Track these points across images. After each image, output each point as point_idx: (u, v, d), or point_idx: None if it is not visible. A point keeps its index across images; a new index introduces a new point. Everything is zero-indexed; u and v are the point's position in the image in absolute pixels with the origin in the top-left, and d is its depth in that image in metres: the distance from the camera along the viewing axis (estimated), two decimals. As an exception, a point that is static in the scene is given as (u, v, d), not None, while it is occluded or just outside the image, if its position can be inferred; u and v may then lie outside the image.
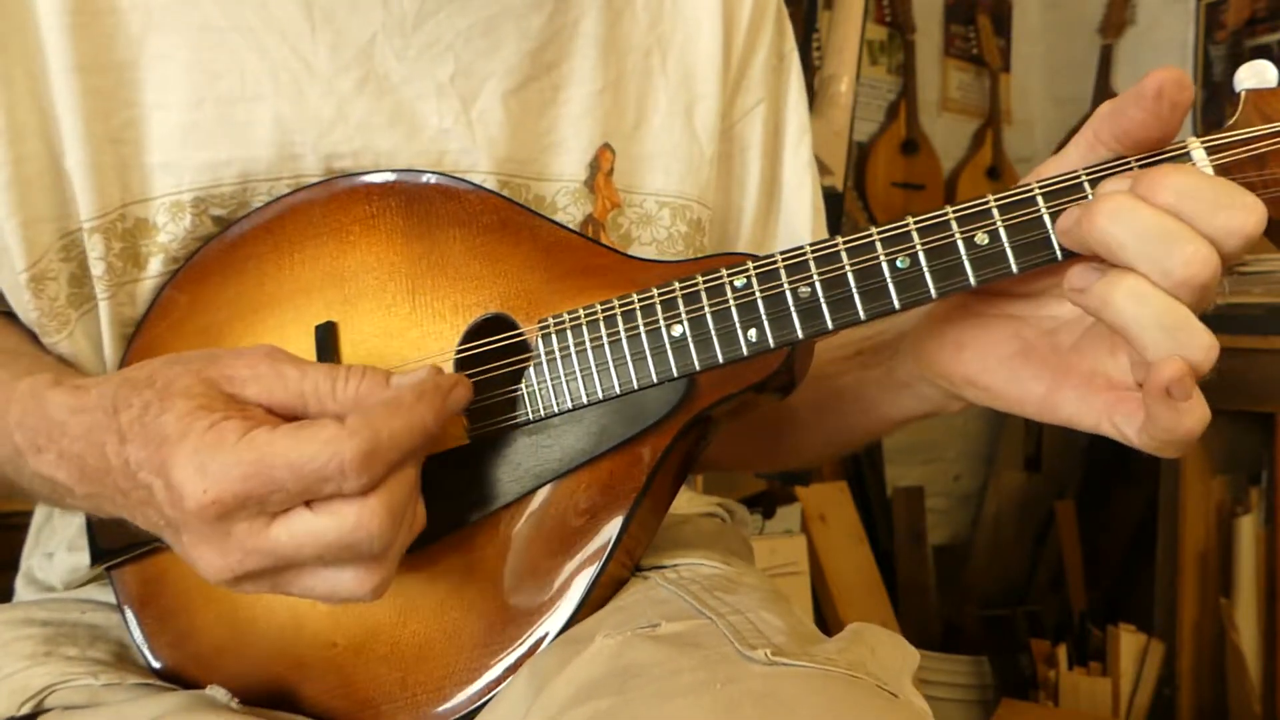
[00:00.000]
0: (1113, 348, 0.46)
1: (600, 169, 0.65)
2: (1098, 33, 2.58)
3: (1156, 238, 0.40)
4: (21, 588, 0.67)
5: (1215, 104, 2.33)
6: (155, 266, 0.58)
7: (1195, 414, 0.41)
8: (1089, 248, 0.42)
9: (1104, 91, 2.54)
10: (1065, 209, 0.44)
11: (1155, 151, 0.43)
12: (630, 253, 0.65)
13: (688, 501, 0.76)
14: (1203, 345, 0.40)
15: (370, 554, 0.41)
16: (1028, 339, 0.48)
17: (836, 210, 1.93)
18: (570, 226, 0.56)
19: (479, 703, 0.51)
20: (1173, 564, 1.83)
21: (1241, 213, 0.40)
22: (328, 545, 0.40)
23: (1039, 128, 2.82)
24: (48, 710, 0.53)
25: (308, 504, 0.40)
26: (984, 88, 2.69)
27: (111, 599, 0.58)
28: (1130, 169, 0.43)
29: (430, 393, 0.43)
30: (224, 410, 0.41)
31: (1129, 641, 1.88)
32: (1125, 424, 0.44)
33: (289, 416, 0.43)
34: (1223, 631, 1.76)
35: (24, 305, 0.56)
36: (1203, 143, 0.43)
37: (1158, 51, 2.48)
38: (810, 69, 1.99)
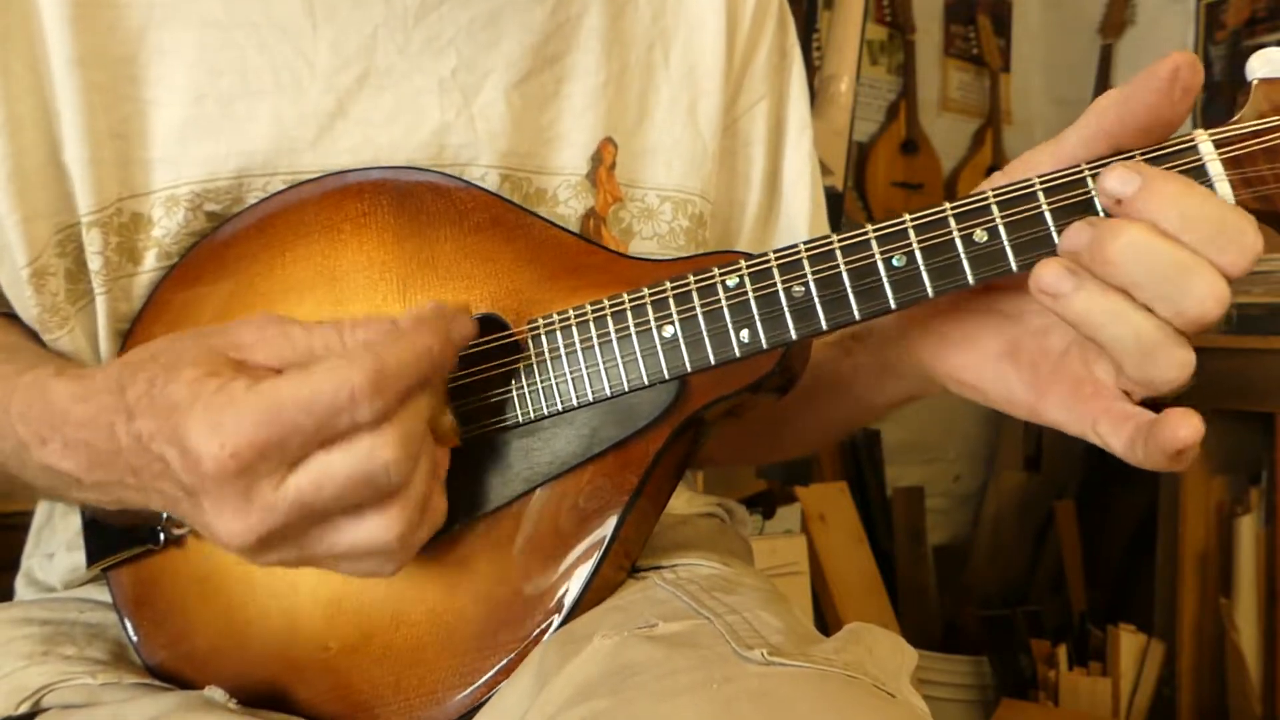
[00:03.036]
0: (1099, 354, 0.45)
1: (602, 162, 0.64)
2: (1098, 33, 2.58)
3: (1172, 276, 0.39)
4: (21, 588, 0.67)
5: (1215, 104, 2.33)
6: (150, 261, 0.58)
7: (1189, 458, 0.40)
8: (1100, 276, 0.41)
9: (1104, 91, 2.53)
10: (1069, 203, 0.43)
11: (1161, 144, 0.42)
12: (630, 248, 0.65)
13: (687, 502, 0.76)
14: (1178, 363, 0.40)
15: (388, 487, 0.40)
16: (1016, 339, 0.48)
17: (836, 210, 1.93)
18: (563, 225, 0.55)
19: (473, 705, 0.51)
20: (1173, 564, 1.83)
21: (1247, 254, 0.39)
22: (345, 479, 0.39)
23: (1039, 128, 2.81)
24: (45, 709, 0.53)
25: (324, 446, 0.40)
26: (984, 88, 2.69)
27: (110, 598, 0.58)
28: (1136, 161, 0.42)
29: (430, 319, 0.43)
30: (232, 374, 0.41)
31: (1129, 641, 1.88)
32: (1110, 435, 0.43)
33: None
34: (1223, 631, 1.76)
35: (25, 302, 0.56)
36: (1210, 135, 0.41)
37: (1158, 51, 2.45)
38: (810, 69, 1.99)
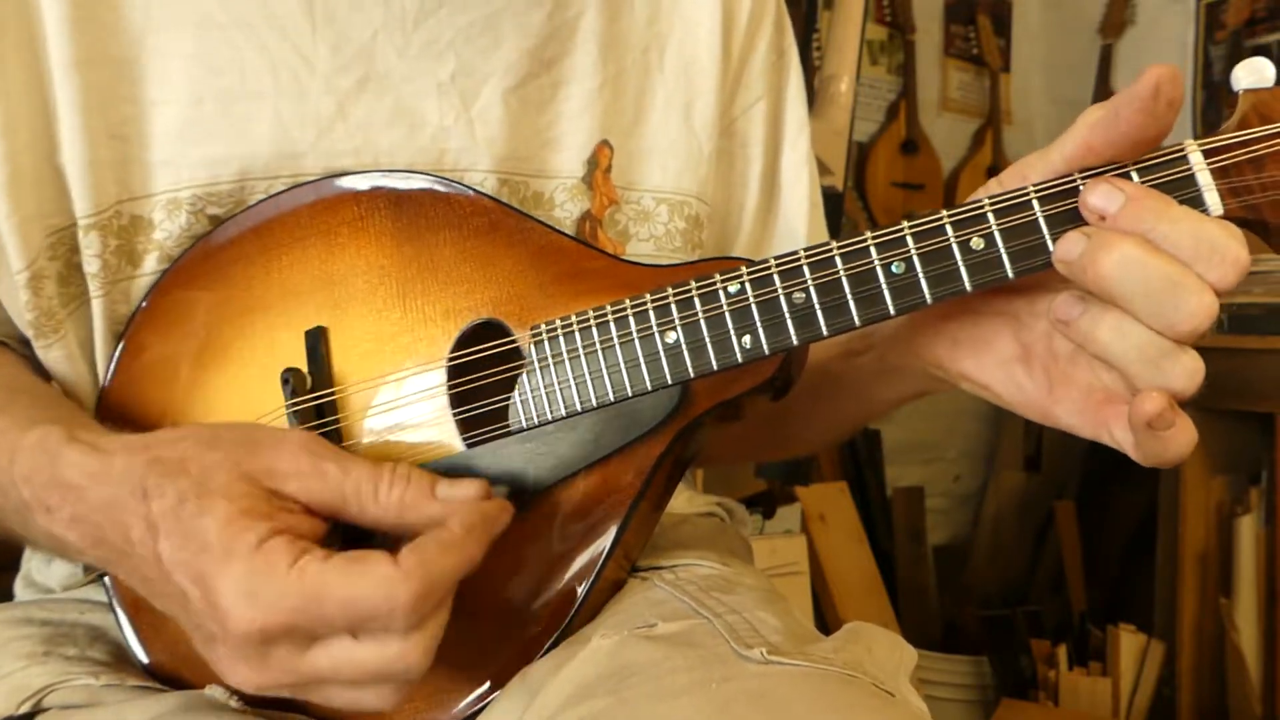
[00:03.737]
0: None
1: (599, 165, 0.65)
2: (1098, 33, 2.58)
3: (1163, 291, 0.40)
4: (21, 589, 0.67)
5: (1215, 104, 2.33)
6: (151, 264, 0.58)
7: (1180, 440, 0.41)
8: (1091, 289, 0.42)
9: (1104, 92, 2.54)
10: (1063, 212, 0.43)
11: (1152, 155, 0.43)
12: (626, 250, 0.65)
13: (687, 501, 0.76)
14: (1186, 371, 0.41)
15: (405, 680, 0.41)
16: (1026, 342, 0.48)
17: (836, 210, 1.92)
18: (563, 229, 0.56)
19: (478, 707, 0.51)
20: (1173, 564, 1.83)
21: (1235, 268, 0.40)
22: (365, 673, 0.40)
23: (1039, 128, 2.81)
24: (46, 709, 0.53)
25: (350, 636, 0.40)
26: (984, 88, 2.69)
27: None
28: (1127, 171, 0.43)
29: (479, 526, 0.43)
30: (268, 520, 0.40)
31: (1129, 641, 1.88)
32: (1124, 437, 0.44)
33: (327, 515, 0.43)
34: (1223, 631, 1.76)
35: (20, 308, 0.56)
36: (1200, 145, 0.42)
37: (1158, 51, 2.48)
38: (810, 69, 1.99)
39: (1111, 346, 0.42)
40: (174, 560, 0.41)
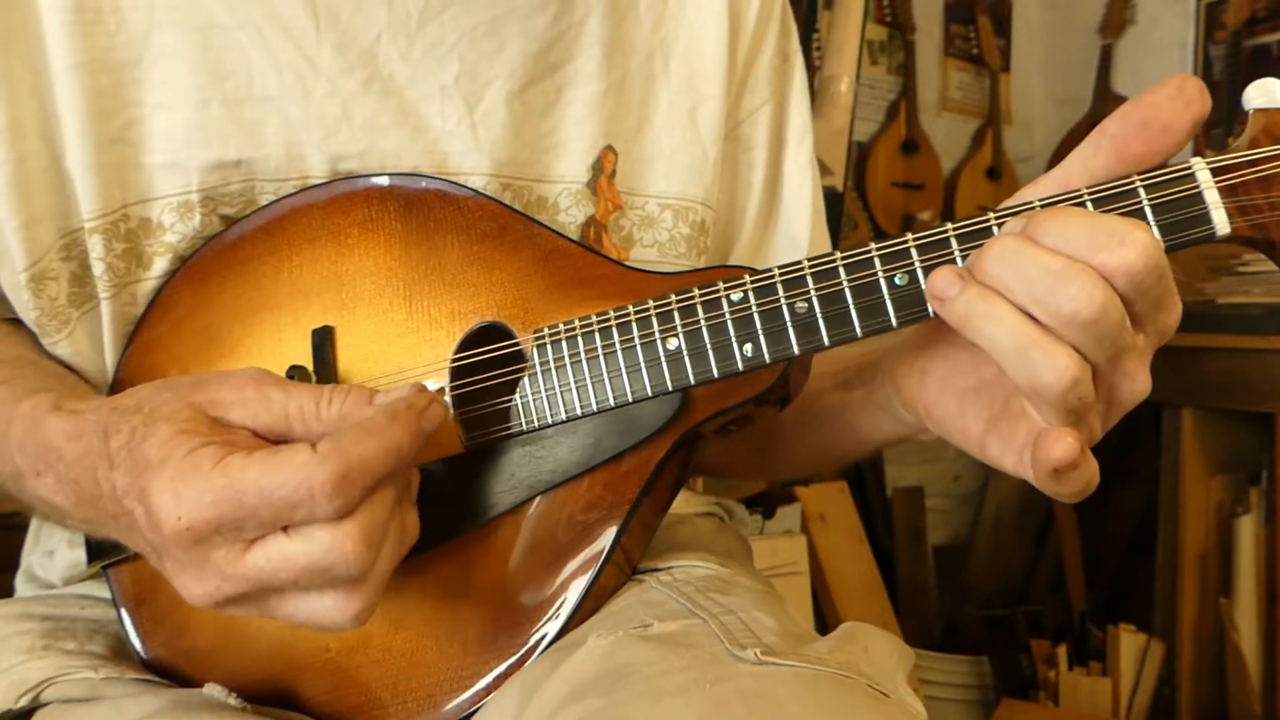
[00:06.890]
0: None
1: (603, 170, 0.64)
2: (1098, 33, 2.58)
3: (1040, 278, 0.39)
4: (22, 585, 0.67)
5: (1214, 104, 2.33)
6: (161, 266, 0.58)
7: (1084, 478, 0.41)
8: (982, 283, 0.42)
9: (1104, 91, 2.54)
10: None
11: (1158, 170, 0.43)
12: (630, 255, 0.65)
13: (685, 501, 0.76)
14: (1055, 368, 0.40)
15: (348, 578, 0.41)
16: (985, 376, 0.47)
17: (836, 210, 1.92)
18: (570, 235, 0.56)
19: (470, 709, 0.51)
20: (1173, 564, 1.83)
21: (1119, 251, 0.39)
22: (302, 570, 0.40)
23: (1039, 128, 2.81)
24: (46, 704, 0.53)
25: (285, 529, 0.40)
26: (984, 88, 2.69)
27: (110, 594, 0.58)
28: (1134, 187, 0.42)
29: (404, 414, 0.43)
30: (205, 436, 0.41)
31: (1129, 641, 1.88)
32: (1002, 455, 0.45)
33: (276, 439, 0.43)
34: (1223, 631, 1.76)
35: (24, 305, 0.56)
36: (1208, 163, 0.42)
37: (1158, 51, 2.48)
38: (810, 69, 1.99)
39: (984, 331, 0.41)
40: (124, 487, 0.42)
